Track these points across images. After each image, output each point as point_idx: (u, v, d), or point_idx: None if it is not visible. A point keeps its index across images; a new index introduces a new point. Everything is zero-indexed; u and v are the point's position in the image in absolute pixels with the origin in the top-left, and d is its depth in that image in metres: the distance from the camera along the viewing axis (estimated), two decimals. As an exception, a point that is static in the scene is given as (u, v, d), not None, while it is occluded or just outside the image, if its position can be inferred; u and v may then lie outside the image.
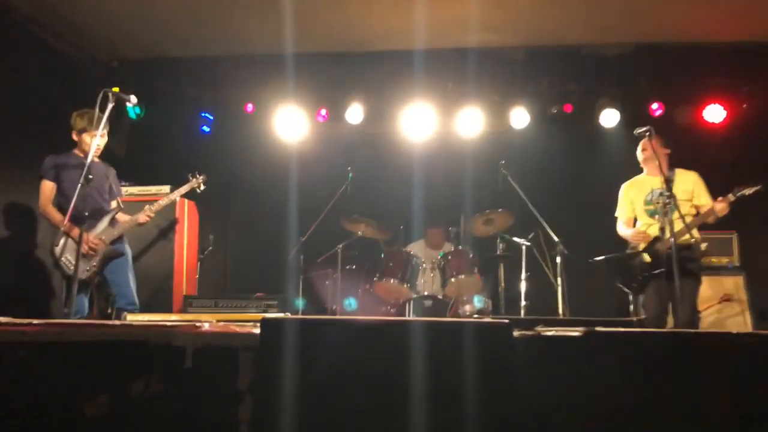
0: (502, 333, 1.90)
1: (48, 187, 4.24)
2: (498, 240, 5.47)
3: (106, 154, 4.55)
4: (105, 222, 4.36)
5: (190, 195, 5.64)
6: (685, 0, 5.15)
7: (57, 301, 3.61)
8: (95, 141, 4.00)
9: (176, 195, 4.80)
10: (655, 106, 6.04)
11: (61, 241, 4.14)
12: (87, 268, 4.17)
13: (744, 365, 1.96)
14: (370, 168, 6.23)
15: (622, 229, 4.44)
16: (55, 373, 1.99)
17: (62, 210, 4.15)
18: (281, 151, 6.39)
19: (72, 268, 3.89)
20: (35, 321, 2.17)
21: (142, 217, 4.50)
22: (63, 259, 4.13)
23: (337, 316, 4.71)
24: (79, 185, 3.68)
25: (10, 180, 4.95)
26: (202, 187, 4.89)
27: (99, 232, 4.30)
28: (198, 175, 4.89)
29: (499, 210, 5.26)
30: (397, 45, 5.87)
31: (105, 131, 4.28)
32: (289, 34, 5.30)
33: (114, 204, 4.51)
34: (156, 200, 4.71)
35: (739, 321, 4.92)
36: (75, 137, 4.34)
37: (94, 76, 5.80)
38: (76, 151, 4.37)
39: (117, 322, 3.17)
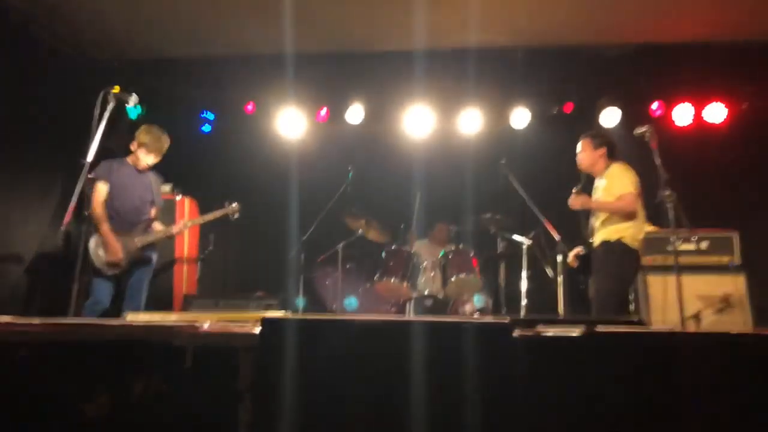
0: (503, 332, 1.90)
1: (103, 190, 4.44)
2: (498, 239, 5.48)
3: (105, 155, 4.57)
4: (141, 228, 4.57)
5: (189, 194, 5.65)
6: (685, 0, 5.15)
7: (70, 295, 3.67)
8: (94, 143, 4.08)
9: (210, 217, 4.93)
10: (655, 106, 6.04)
11: (93, 239, 4.37)
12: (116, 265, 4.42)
13: (744, 365, 1.95)
14: (371, 168, 6.22)
15: None
16: (55, 373, 1.99)
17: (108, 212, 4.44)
18: (281, 151, 6.39)
19: (103, 262, 4.32)
20: (35, 321, 2.17)
21: (175, 229, 4.74)
22: (95, 253, 4.35)
23: (338, 315, 4.71)
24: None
25: (10, 179, 4.95)
26: (236, 216, 4.99)
27: (138, 238, 4.51)
28: (233, 204, 4.98)
29: (497, 216, 5.31)
30: (397, 45, 5.87)
31: (159, 156, 4.63)
32: (289, 34, 5.31)
33: (153, 212, 4.71)
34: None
35: (739, 320, 4.91)
36: (133, 147, 4.59)
37: (94, 76, 5.80)
38: (129, 160, 4.63)
39: (117, 322, 3.18)
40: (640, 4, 5.20)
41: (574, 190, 4.23)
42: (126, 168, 4.59)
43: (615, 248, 4.04)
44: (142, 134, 4.58)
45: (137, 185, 4.59)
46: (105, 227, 4.36)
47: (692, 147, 5.99)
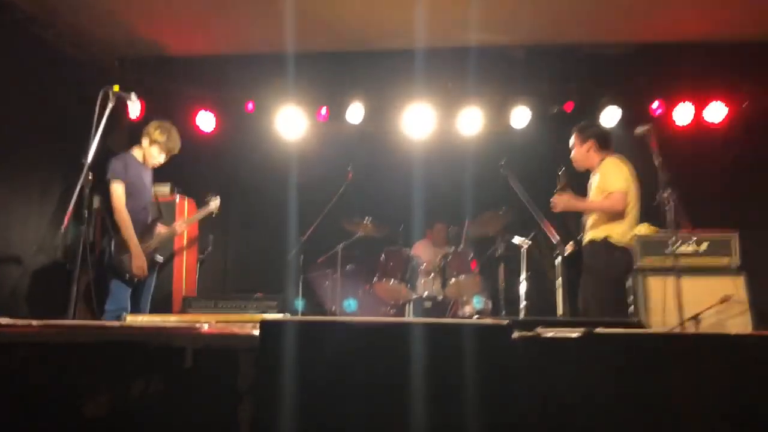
0: (502, 334, 1.90)
1: (121, 191, 4.27)
2: (498, 240, 5.48)
3: (104, 154, 4.55)
4: (151, 229, 4.51)
5: (189, 193, 5.64)
6: (685, 0, 5.15)
7: (69, 296, 3.65)
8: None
9: (199, 216, 5.00)
10: (655, 105, 6.03)
11: (114, 242, 4.27)
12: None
13: (744, 365, 1.95)
14: (371, 168, 6.22)
15: None
16: (55, 374, 1.99)
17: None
18: (281, 150, 6.38)
19: (126, 268, 4.21)
20: (35, 321, 2.17)
21: (179, 229, 4.74)
22: (117, 258, 4.25)
23: (337, 317, 4.72)
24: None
25: (10, 179, 4.94)
26: (217, 211, 5.03)
27: (150, 242, 4.45)
28: (215, 198, 4.99)
29: (500, 212, 5.30)
30: (397, 44, 5.86)
31: (169, 156, 4.52)
32: (289, 33, 5.31)
33: (154, 211, 4.65)
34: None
35: (739, 321, 4.90)
36: (144, 142, 4.43)
37: (94, 76, 5.80)
38: (135, 154, 4.46)
39: (117, 323, 3.18)
40: (641, 4, 5.19)
41: (555, 191, 4.13)
42: (136, 164, 4.43)
43: (601, 247, 4.00)
44: (157, 132, 4.41)
45: (146, 183, 4.47)
46: (133, 238, 4.21)
47: (692, 147, 5.99)
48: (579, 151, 4.25)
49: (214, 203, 4.95)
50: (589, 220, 4.18)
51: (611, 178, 4.03)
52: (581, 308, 3.98)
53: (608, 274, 3.98)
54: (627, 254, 4.05)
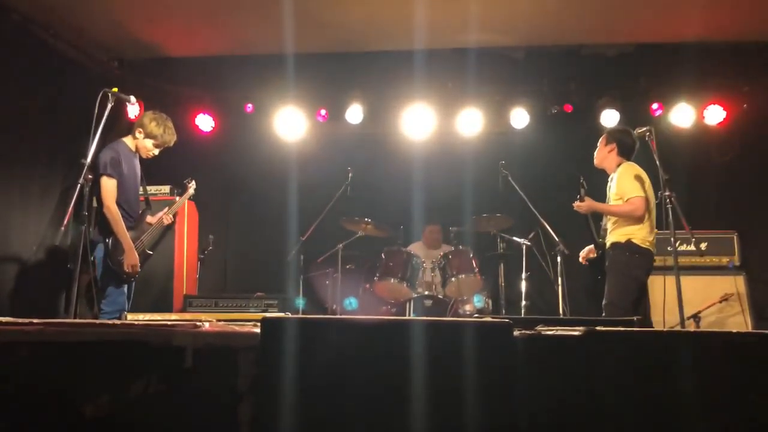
0: (503, 332, 1.90)
1: (113, 185, 4.09)
2: (498, 240, 5.48)
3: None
4: (142, 223, 4.35)
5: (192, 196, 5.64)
6: (684, 0, 5.16)
7: (70, 295, 3.59)
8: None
9: (182, 201, 4.87)
10: (655, 106, 6.04)
11: (110, 241, 4.09)
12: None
13: (744, 365, 1.95)
14: (370, 168, 6.23)
15: None
16: (55, 373, 1.98)
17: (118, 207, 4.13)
18: (281, 151, 6.39)
19: (121, 267, 4.04)
20: (35, 321, 2.17)
21: (167, 220, 4.52)
22: (114, 259, 4.08)
23: (338, 316, 4.71)
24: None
25: (9, 179, 4.94)
26: (192, 192, 4.91)
27: (143, 237, 4.31)
28: (191, 182, 4.87)
29: (498, 215, 5.32)
30: (397, 45, 5.87)
31: (162, 148, 4.34)
32: (289, 34, 5.31)
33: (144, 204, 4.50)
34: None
35: (739, 321, 4.92)
36: (138, 134, 4.25)
37: (94, 76, 5.80)
38: (127, 143, 4.29)
39: (117, 322, 3.17)
40: (640, 4, 5.20)
41: (578, 197, 4.24)
42: (128, 155, 4.25)
43: (625, 249, 4.08)
44: (153, 124, 4.22)
45: (137, 174, 4.32)
46: (126, 236, 4.06)
47: (692, 147, 6.00)
48: (602, 150, 4.37)
49: (191, 186, 4.84)
50: (610, 225, 4.22)
51: (629, 185, 4.12)
52: (608, 308, 4.01)
53: (632, 274, 4.06)
54: (649, 255, 4.13)
